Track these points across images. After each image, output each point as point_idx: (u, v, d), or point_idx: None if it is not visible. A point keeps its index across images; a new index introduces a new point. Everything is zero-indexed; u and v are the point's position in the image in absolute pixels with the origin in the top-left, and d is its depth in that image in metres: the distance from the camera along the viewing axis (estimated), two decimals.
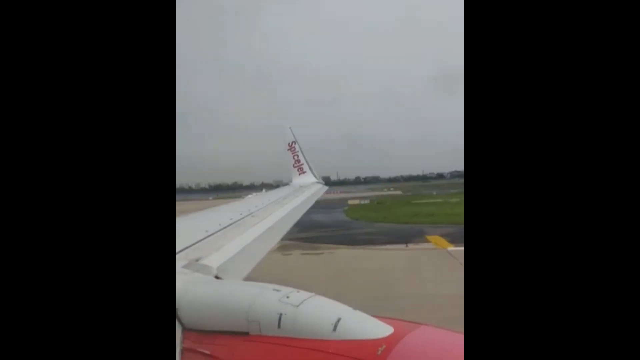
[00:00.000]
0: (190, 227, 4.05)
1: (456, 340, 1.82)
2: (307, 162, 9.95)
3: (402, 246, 20.91)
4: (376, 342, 1.73)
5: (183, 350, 1.86)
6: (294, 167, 9.81)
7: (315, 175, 9.78)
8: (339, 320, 1.84)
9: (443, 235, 22.42)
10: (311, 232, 25.90)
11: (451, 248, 18.51)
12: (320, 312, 1.93)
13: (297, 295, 2.04)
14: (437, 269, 14.78)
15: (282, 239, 4.55)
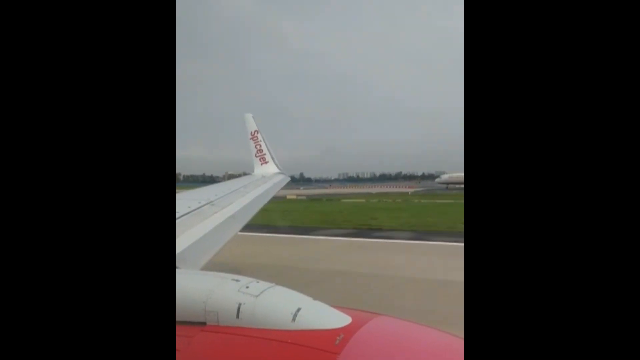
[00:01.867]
0: None
1: (413, 330, 1.85)
2: (269, 151, 9.60)
3: None
4: (334, 332, 1.74)
5: None
6: (256, 156, 9.48)
7: (277, 166, 9.48)
8: (298, 310, 1.85)
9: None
10: None
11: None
12: (279, 302, 1.93)
13: (257, 286, 2.04)
14: None
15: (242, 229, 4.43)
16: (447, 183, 53.99)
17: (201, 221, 3.99)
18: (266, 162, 9.49)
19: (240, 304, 1.90)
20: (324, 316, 1.87)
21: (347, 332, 1.73)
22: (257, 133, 9.60)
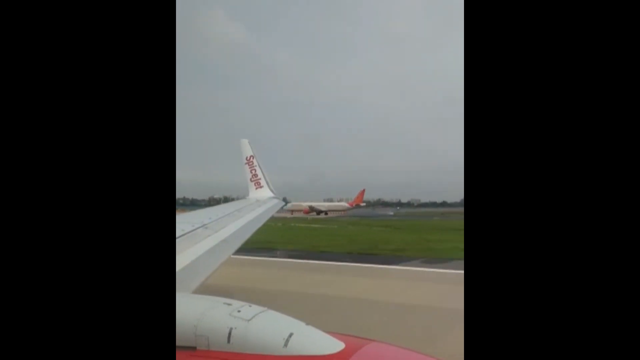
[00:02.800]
0: None
1: (406, 357, 1.84)
2: (264, 176, 9.83)
3: None
4: (327, 358, 1.73)
5: None
6: (251, 181, 9.71)
7: (272, 190, 9.70)
8: (290, 335, 1.84)
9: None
10: None
11: None
12: (271, 327, 1.91)
13: (249, 310, 2.01)
14: None
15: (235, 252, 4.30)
16: (292, 210, 56.48)
17: (194, 244, 3.94)
18: (261, 187, 9.67)
19: (231, 329, 1.87)
20: (316, 342, 1.85)
21: (340, 359, 1.71)
22: (253, 158, 9.78)
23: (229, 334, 1.86)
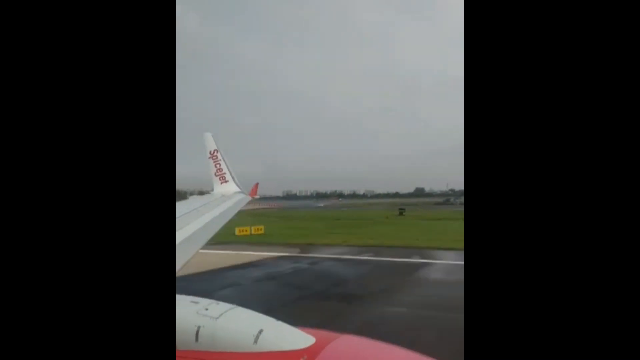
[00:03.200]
0: None
1: (377, 349, 1.85)
2: (229, 171, 9.51)
3: None
4: (298, 353, 1.73)
5: None
6: (216, 175, 9.38)
7: (237, 185, 9.37)
8: (260, 331, 1.82)
9: None
10: None
11: None
12: (240, 324, 1.89)
13: (217, 307, 1.98)
14: None
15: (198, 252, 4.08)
16: None
17: None
18: (226, 181, 9.38)
19: (199, 327, 1.85)
20: (286, 337, 1.84)
21: (310, 353, 1.72)
22: (217, 152, 9.53)
23: (197, 332, 1.84)
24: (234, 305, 2.05)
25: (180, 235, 3.99)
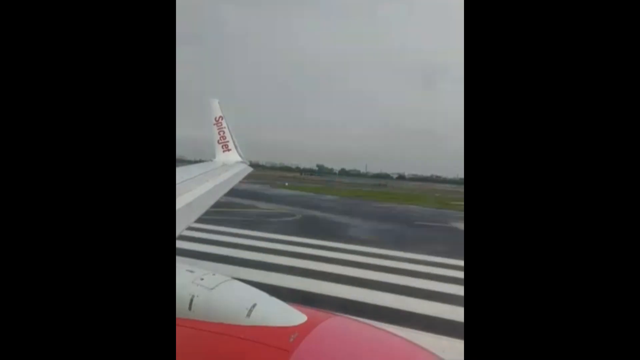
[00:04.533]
0: None
1: (368, 331, 1.85)
2: (232, 139, 9.31)
3: None
4: (289, 330, 1.73)
5: None
6: (219, 143, 9.21)
7: (240, 155, 9.20)
8: (254, 306, 1.82)
9: None
10: None
11: None
12: (234, 297, 1.90)
13: (212, 278, 1.99)
14: None
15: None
16: None
17: None
18: (229, 150, 9.22)
19: (193, 296, 1.86)
20: (279, 313, 1.84)
21: (301, 331, 1.72)
22: (222, 119, 9.31)
23: (191, 301, 1.84)
24: (230, 278, 2.05)
25: (180, 202, 3.90)
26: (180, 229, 3.50)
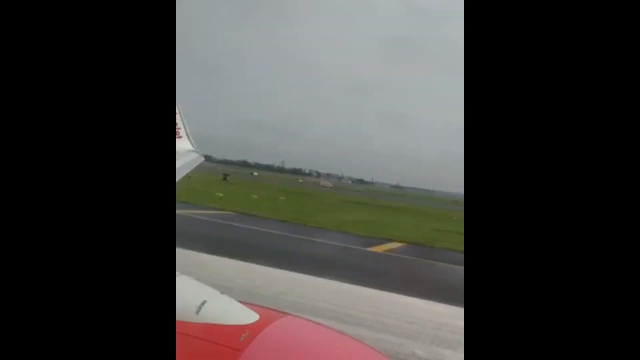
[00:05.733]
0: None
1: (319, 331, 1.84)
2: (184, 126, 9.32)
3: None
4: (240, 329, 1.70)
5: None
6: None
7: (192, 143, 9.19)
8: (203, 302, 1.79)
9: None
10: None
11: None
12: (184, 293, 1.81)
13: None
14: None
15: None
16: None
17: None
18: (179, 137, 8.98)
19: None
20: (230, 311, 1.81)
21: (253, 330, 1.69)
22: None
23: None
24: (179, 273, 1.99)
25: None
26: None
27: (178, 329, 1.69)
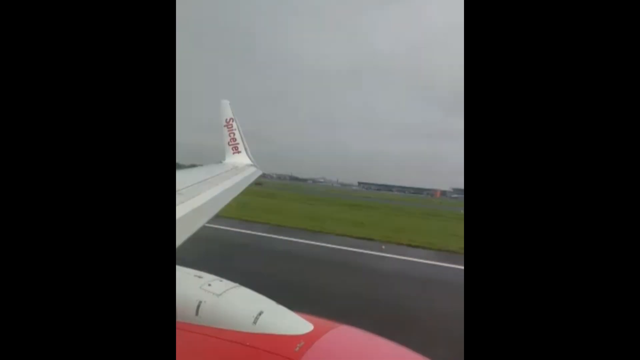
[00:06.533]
0: None
1: (374, 342, 1.86)
2: (243, 141, 9.15)
3: None
4: (295, 339, 1.74)
5: None
6: (229, 145, 9.05)
7: (250, 158, 8.99)
8: (260, 313, 1.84)
9: None
10: None
11: None
12: (241, 304, 1.91)
13: (220, 285, 2.01)
14: None
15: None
16: None
17: None
18: (238, 152, 9.04)
19: (200, 302, 1.87)
20: (285, 321, 1.85)
21: (307, 340, 1.72)
22: (232, 121, 9.19)
23: (198, 307, 1.86)
24: (237, 284, 2.07)
25: (187, 207, 3.92)
26: (189, 232, 3.46)
27: (236, 338, 1.74)
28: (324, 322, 1.91)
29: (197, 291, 1.92)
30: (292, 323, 1.83)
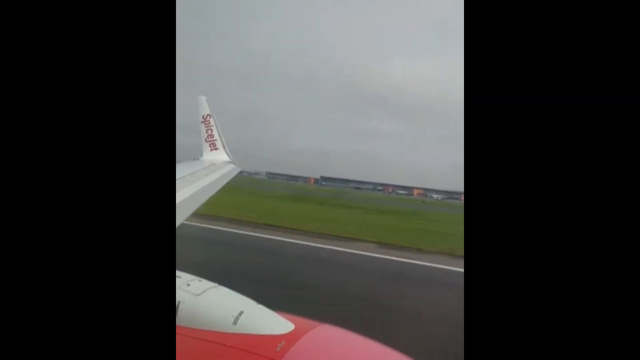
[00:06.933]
0: None
1: (355, 341, 1.85)
2: (220, 138, 9.04)
3: None
4: (276, 338, 1.72)
5: None
6: (206, 141, 8.92)
7: (228, 154, 8.89)
8: (240, 313, 1.82)
9: None
10: None
11: None
12: (221, 304, 1.89)
13: (199, 284, 1.98)
14: None
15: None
16: None
17: None
18: (216, 149, 8.94)
19: (179, 302, 1.84)
20: (266, 321, 1.83)
21: (288, 340, 1.71)
22: (210, 117, 9.04)
23: (177, 307, 1.83)
24: (216, 284, 2.05)
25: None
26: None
27: (216, 339, 1.71)
28: (304, 322, 1.90)
29: (176, 291, 1.87)
30: (273, 323, 1.82)
